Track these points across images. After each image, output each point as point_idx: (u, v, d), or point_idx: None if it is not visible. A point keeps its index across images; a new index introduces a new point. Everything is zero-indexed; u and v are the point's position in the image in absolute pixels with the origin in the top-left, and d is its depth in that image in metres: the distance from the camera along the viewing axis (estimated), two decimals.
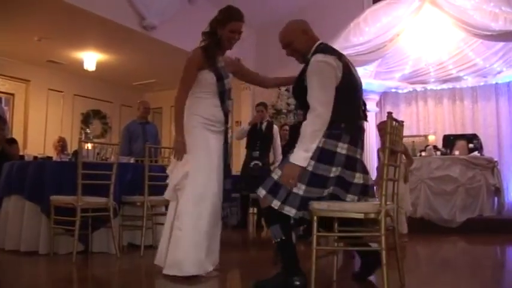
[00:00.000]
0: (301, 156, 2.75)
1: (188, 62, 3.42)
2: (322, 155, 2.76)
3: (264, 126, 7.03)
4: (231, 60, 3.71)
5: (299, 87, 3.02)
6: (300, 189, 2.74)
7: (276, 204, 2.75)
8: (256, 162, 6.89)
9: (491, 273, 3.89)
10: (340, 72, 2.85)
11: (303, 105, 2.94)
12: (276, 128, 7.07)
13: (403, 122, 3.06)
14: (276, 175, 2.85)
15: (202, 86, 3.41)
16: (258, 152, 6.96)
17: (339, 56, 2.93)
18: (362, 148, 2.95)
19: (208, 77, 3.39)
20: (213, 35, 3.46)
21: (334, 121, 2.80)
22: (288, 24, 3.21)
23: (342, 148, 2.79)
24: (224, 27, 3.41)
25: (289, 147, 6.44)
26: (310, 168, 2.74)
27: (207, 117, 3.38)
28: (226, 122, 3.51)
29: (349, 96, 2.88)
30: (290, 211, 2.74)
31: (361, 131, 2.97)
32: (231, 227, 7.11)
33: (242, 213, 7.00)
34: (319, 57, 2.89)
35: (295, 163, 2.74)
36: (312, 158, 2.75)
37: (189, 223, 3.23)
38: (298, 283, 2.77)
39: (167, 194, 3.50)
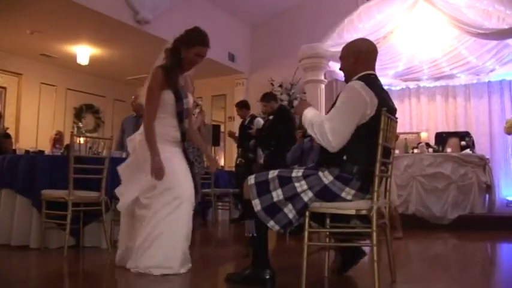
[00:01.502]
0: (308, 115, 2.84)
1: (151, 83, 3.36)
2: (324, 193, 2.69)
3: (246, 122, 7.13)
4: (190, 80, 3.67)
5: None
6: (291, 213, 2.72)
7: (256, 204, 2.75)
8: (240, 159, 7.00)
9: (481, 270, 3.92)
10: (371, 111, 2.68)
11: None
12: (257, 121, 7.06)
13: (397, 118, 3.04)
14: (271, 174, 2.82)
15: (160, 106, 3.36)
16: (240, 149, 7.06)
17: (378, 94, 2.75)
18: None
19: (167, 98, 3.34)
20: (176, 55, 3.41)
21: (348, 161, 2.68)
22: (353, 40, 3.13)
23: (348, 194, 2.69)
24: (189, 50, 3.38)
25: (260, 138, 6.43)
26: (305, 199, 2.70)
27: (162, 136, 3.35)
28: (183, 140, 3.49)
29: (373, 139, 2.66)
30: (274, 227, 2.74)
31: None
32: (230, 221, 7.15)
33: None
34: (357, 84, 2.75)
35: (306, 109, 2.89)
36: (311, 190, 2.69)
37: (167, 225, 3.21)
38: (268, 277, 2.81)
39: (122, 207, 3.45)
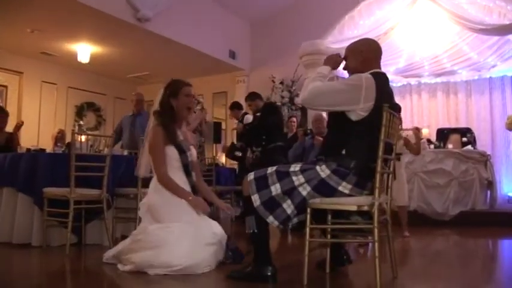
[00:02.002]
0: (319, 69, 2.94)
1: (153, 140, 3.48)
2: (322, 187, 2.71)
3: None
4: (190, 135, 3.83)
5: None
6: (289, 208, 2.75)
7: (255, 199, 2.77)
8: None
9: (482, 266, 3.92)
10: (367, 106, 2.69)
11: (333, 119, 2.93)
12: (246, 117, 7.08)
13: (400, 115, 3.04)
14: (270, 169, 2.85)
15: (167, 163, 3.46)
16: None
17: (383, 91, 2.77)
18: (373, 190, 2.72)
19: (170, 153, 3.45)
20: (167, 111, 3.54)
21: (346, 156, 2.71)
22: (358, 40, 3.13)
23: (345, 188, 2.71)
24: (178, 96, 3.54)
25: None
26: (304, 193, 2.72)
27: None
28: (193, 193, 3.50)
29: (373, 137, 2.66)
30: (273, 222, 2.76)
31: (374, 175, 2.68)
32: (231, 219, 7.14)
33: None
34: (364, 75, 2.77)
35: (325, 65, 3.00)
36: (308, 183, 2.72)
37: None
38: (269, 274, 2.81)
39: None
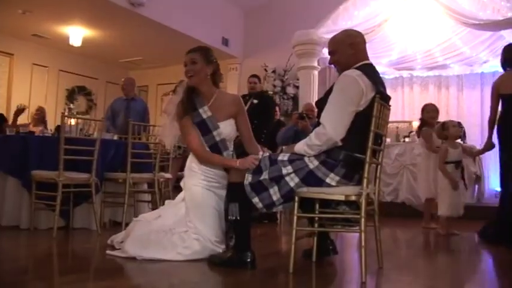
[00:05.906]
0: (302, 150, 2.78)
1: (177, 120, 3.24)
2: (310, 178, 2.74)
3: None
4: (228, 101, 3.29)
5: (324, 101, 2.85)
6: (275, 195, 2.79)
7: (247, 177, 2.81)
8: None
9: (467, 258, 3.97)
10: (366, 100, 2.70)
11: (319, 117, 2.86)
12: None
13: (389, 105, 3.04)
14: (262, 155, 2.89)
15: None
16: None
17: (375, 83, 2.75)
18: (360, 182, 2.74)
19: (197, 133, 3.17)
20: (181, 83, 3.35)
21: (336, 147, 2.71)
22: (340, 32, 3.05)
23: (332, 180, 2.73)
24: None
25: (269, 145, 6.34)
26: (291, 184, 2.75)
27: (206, 173, 3.16)
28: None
29: (364, 128, 2.68)
30: (257, 204, 2.80)
31: (362, 167, 2.71)
32: None
33: None
34: (353, 73, 2.75)
35: (295, 151, 2.82)
36: (297, 175, 2.74)
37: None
38: (249, 260, 2.86)
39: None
